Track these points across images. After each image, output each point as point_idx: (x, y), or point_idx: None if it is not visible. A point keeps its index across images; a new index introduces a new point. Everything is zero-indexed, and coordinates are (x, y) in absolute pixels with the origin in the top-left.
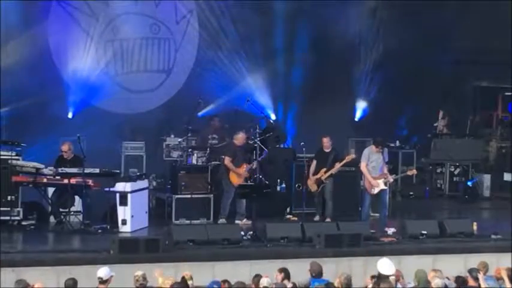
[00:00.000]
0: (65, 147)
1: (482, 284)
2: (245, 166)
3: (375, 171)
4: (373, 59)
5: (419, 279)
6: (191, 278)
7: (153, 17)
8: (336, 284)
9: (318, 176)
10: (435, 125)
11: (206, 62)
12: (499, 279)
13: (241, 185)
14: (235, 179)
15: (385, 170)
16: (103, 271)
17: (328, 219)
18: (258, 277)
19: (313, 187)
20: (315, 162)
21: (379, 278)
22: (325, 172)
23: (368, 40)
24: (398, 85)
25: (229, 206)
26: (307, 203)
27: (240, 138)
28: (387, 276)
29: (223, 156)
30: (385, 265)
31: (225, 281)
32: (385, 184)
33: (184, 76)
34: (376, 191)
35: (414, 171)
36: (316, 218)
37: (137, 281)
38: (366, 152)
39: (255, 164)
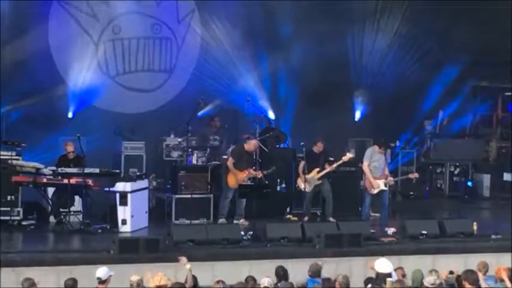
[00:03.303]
0: (70, 147)
1: (483, 285)
2: (246, 172)
3: (376, 172)
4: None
5: (414, 279)
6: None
7: (154, 16)
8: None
9: (310, 175)
10: (435, 124)
11: (207, 62)
12: (502, 280)
13: (242, 184)
14: (232, 181)
15: (386, 171)
16: (102, 271)
17: (331, 219)
18: (251, 278)
19: (302, 185)
20: (303, 163)
21: (378, 278)
22: (319, 172)
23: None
24: (398, 85)
25: (229, 206)
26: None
27: (252, 144)
28: (385, 275)
29: (225, 156)
30: (383, 264)
31: (218, 281)
32: (385, 185)
33: (187, 76)
34: (375, 191)
35: (416, 175)
36: (306, 219)
37: (131, 286)
38: (368, 152)
39: (260, 174)
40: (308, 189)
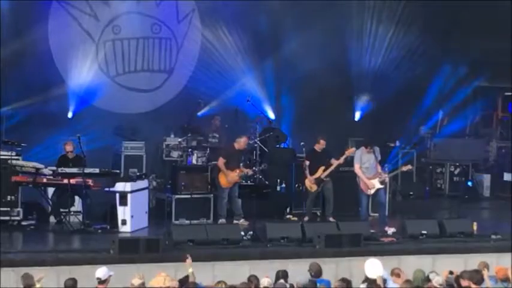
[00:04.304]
0: (69, 147)
1: (488, 284)
2: (238, 171)
3: (369, 172)
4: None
5: (415, 279)
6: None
7: (153, 16)
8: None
9: (317, 175)
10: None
11: (208, 62)
12: (503, 280)
13: (242, 184)
14: (224, 181)
15: (379, 169)
16: (101, 271)
17: (331, 219)
18: (254, 277)
19: (313, 187)
20: (307, 162)
21: (368, 281)
22: (324, 170)
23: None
24: (398, 85)
25: (227, 206)
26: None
27: (241, 142)
28: (374, 280)
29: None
30: (369, 269)
31: (220, 282)
32: (381, 183)
33: (186, 76)
34: (372, 191)
35: (409, 167)
36: (306, 218)
37: None
38: (357, 154)
39: (250, 172)
40: (316, 189)
